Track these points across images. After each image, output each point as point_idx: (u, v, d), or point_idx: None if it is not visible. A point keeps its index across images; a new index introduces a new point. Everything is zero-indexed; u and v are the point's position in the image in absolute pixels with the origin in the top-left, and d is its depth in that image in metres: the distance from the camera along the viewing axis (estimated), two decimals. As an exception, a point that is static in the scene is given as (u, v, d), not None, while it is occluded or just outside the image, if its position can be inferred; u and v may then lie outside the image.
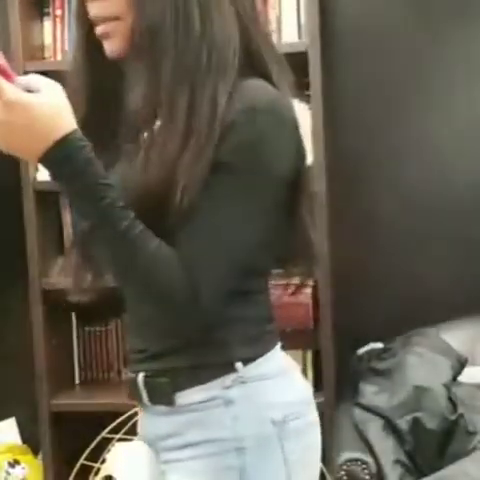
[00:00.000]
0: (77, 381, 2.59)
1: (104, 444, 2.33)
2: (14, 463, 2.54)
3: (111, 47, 1.09)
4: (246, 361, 1.12)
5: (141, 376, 1.15)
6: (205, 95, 1.02)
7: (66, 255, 1.22)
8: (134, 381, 1.16)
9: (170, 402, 1.13)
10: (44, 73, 2.28)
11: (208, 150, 1.00)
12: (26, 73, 2.25)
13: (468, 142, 2.55)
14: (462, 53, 2.54)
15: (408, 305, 2.52)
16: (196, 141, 1.00)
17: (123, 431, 2.29)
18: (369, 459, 2.08)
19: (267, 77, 1.08)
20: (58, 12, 2.42)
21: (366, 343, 2.36)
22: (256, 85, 1.05)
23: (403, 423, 2.14)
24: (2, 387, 2.65)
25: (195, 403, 1.12)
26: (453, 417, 2.14)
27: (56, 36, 2.43)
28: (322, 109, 2.28)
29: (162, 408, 1.14)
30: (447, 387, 2.19)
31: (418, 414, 2.14)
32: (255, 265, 1.11)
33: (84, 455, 2.31)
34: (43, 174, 2.38)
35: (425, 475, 2.09)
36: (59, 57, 2.43)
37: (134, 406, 2.26)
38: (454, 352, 2.29)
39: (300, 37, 2.33)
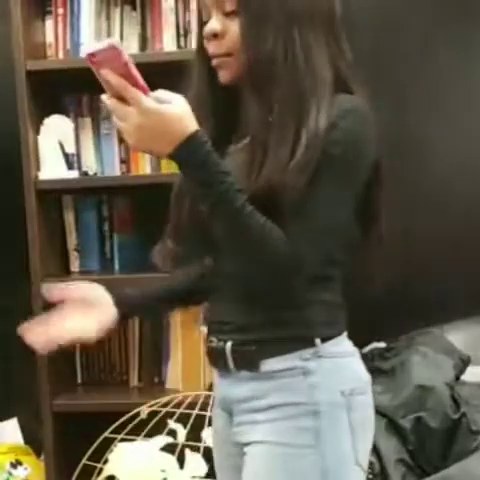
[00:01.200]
0: (79, 381, 2.58)
1: (107, 444, 2.33)
2: (16, 463, 2.53)
3: (224, 76, 1.31)
4: (324, 339, 1.29)
5: (229, 344, 1.32)
6: (310, 116, 1.21)
7: (167, 241, 1.41)
8: (220, 349, 1.33)
9: (255, 368, 1.30)
10: (46, 71, 2.32)
11: (314, 160, 1.20)
12: (28, 72, 2.30)
13: (475, 143, 2.56)
14: (466, 53, 2.55)
15: (411, 304, 2.52)
16: (303, 153, 1.19)
17: (126, 431, 2.29)
18: (372, 458, 2.08)
19: (351, 93, 1.30)
20: (60, 11, 2.41)
21: (369, 342, 2.36)
22: (346, 96, 1.27)
23: (406, 422, 2.14)
24: (4, 387, 2.64)
25: (277, 371, 1.29)
26: (456, 416, 2.15)
27: (58, 35, 2.42)
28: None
29: (246, 373, 1.31)
30: (450, 386, 2.19)
31: (421, 413, 2.15)
32: (335, 255, 1.30)
33: (87, 455, 2.31)
34: (45, 173, 2.38)
35: (428, 474, 2.09)
36: (61, 56, 2.42)
37: (136, 406, 2.27)
38: (457, 351, 2.30)
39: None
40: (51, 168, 2.39)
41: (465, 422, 2.16)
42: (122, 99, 1.16)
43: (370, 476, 2.08)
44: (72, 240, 2.52)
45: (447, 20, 2.57)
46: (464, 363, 2.29)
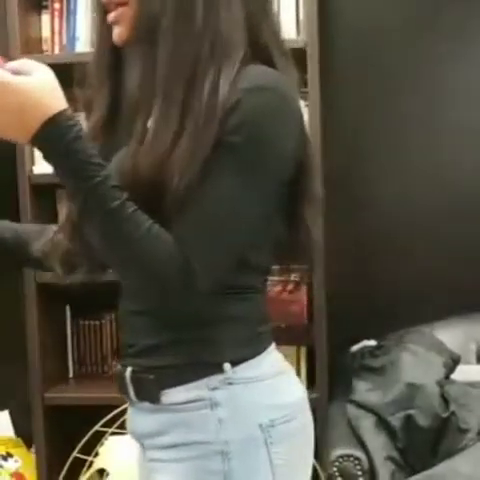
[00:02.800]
0: (71, 374, 2.58)
1: (97, 437, 2.33)
2: (7, 456, 2.53)
3: (118, 34, 1.09)
4: (235, 362, 1.09)
5: (129, 371, 1.13)
6: (205, 84, 1.01)
7: (54, 237, 1.19)
8: (122, 375, 1.15)
9: (155, 399, 1.10)
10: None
11: (207, 137, 0.99)
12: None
13: (468, 138, 2.55)
14: (462, 52, 2.54)
15: (402, 303, 2.52)
16: (193, 130, 0.99)
17: (116, 424, 2.29)
18: (361, 455, 2.08)
19: (272, 67, 1.08)
20: (56, 5, 2.42)
21: (360, 340, 2.36)
22: (260, 68, 1.05)
23: (395, 420, 2.14)
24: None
25: (180, 403, 1.09)
26: (445, 415, 2.15)
27: (54, 29, 2.43)
28: (320, 106, 2.28)
29: (148, 405, 1.12)
30: (440, 385, 2.20)
31: (410, 411, 2.15)
32: (251, 260, 1.08)
33: (77, 448, 2.31)
34: (39, 167, 2.38)
35: (417, 472, 2.09)
36: (57, 50, 2.43)
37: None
38: (447, 350, 2.30)
39: (298, 34, 2.33)
40: (45, 163, 2.38)
41: (454, 420, 2.16)
42: None
43: (359, 473, 2.08)
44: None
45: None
46: (454, 362, 2.29)
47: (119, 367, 1.16)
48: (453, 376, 2.28)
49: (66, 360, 2.58)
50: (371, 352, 2.31)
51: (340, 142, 2.54)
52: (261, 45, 1.07)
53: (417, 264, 2.56)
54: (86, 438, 2.32)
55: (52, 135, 0.97)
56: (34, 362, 2.40)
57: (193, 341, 1.08)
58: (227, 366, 1.08)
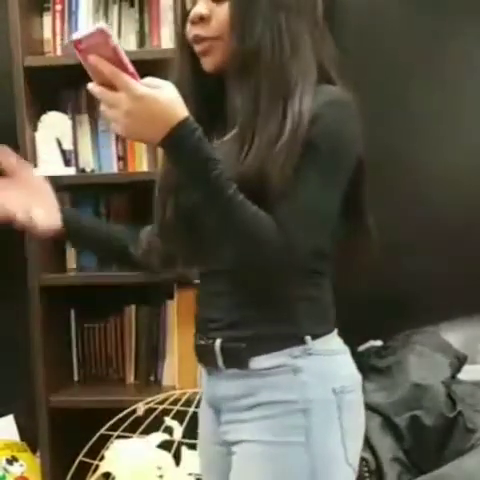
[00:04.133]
0: (76, 378, 2.57)
1: (103, 441, 2.33)
2: (12, 460, 2.53)
3: (209, 63, 1.29)
4: (314, 336, 1.28)
5: (218, 342, 1.30)
6: (295, 101, 1.22)
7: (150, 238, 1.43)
8: (209, 347, 1.31)
9: (245, 366, 1.28)
10: (43, 68, 2.31)
11: (298, 146, 1.19)
12: (26, 68, 2.29)
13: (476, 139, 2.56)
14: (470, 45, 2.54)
15: (408, 303, 2.52)
16: (288, 138, 1.20)
17: (122, 428, 2.29)
18: (368, 456, 2.08)
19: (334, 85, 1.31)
20: (58, 7, 2.41)
21: (365, 340, 2.36)
22: (329, 87, 1.28)
23: (402, 421, 2.14)
24: (0, 384, 2.64)
25: (266, 368, 1.27)
26: (452, 415, 2.15)
27: (56, 31, 2.42)
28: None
29: (235, 371, 1.30)
30: (446, 385, 2.19)
31: (417, 412, 2.15)
32: (325, 247, 1.28)
33: (83, 452, 2.31)
34: (42, 170, 2.38)
35: (424, 473, 2.09)
36: (59, 52, 2.42)
37: (133, 403, 2.27)
38: (453, 350, 2.30)
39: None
40: (48, 165, 2.39)
41: (461, 420, 2.16)
42: (110, 86, 1.13)
43: (366, 474, 2.08)
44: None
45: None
46: (460, 362, 2.29)
47: (206, 340, 1.32)
48: (460, 376, 2.27)
49: (71, 363, 2.57)
50: (377, 352, 2.31)
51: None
52: (324, 67, 1.29)
53: (425, 264, 2.55)
54: (91, 442, 2.31)
55: (181, 136, 1.16)
56: (38, 365, 2.38)
57: (280, 317, 1.27)
58: (308, 339, 1.28)
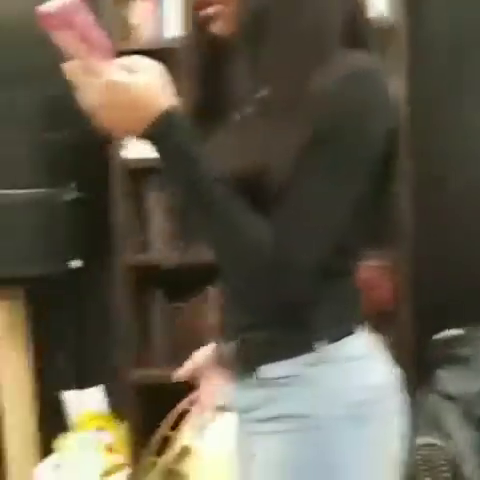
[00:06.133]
0: (159, 354, 2.64)
1: (184, 415, 2.39)
2: (100, 429, 2.64)
3: (219, 26, 1.13)
4: (330, 341, 1.13)
5: (230, 347, 1.20)
6: (304, 75, 1.03)
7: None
8: (224, 352, 1.22)
9: (255, 374, 1.17)
10: (135, 52, 2.36)
11: (303, 137, 1.02)
12: (120, 53, 2.35)
13: None
14: None
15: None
16: (298, 124, 1.02)
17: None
18: (446, 445, 2.06)
19: (365, 51, 1.10)
20: (147, -7, 2.47)
21: (446, 328, 2.32)
22: (359, 55, 1.07)
23: (480, 411, 2.11)
24: (91, 357, 2.76)
25: (277, 378, 1.14)
26: None
27: (146, 17, 2.47)
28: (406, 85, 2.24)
29: (247, 380, 1.18)
30: None
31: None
32: (345, 243, 1.11)
33: (164, 425, 2.37)
34: (129, 152, 2.44)
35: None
36: (149, 37, 2.47)
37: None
38: None
39: (386, 13, 2.29)
40: (138, 146, 2.43)
41: None
42: (85, 68, 1.00)
43: (442, 462, 2.06)
44: (155, 219, 2.57)
45: None
46: None
47: (221, 344, 1.24)
48: None
49: (155, 341, 2.64)
50: (456, 341, 2.27)
51: (429, 122, 2.47)
52: (356, 29, 1.10)
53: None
54: (175, 414, 2.38)
55: (161, 130, 1.03)
56: (125, 340, 2.48)
57: (287, 321, 1.12)
58: (323, 344, 1.13)
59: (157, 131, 1.03)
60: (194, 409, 1.47)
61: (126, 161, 2.45)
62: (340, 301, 1.15)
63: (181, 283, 2.58)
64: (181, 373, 1.43)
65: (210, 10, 1.12)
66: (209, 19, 1.13)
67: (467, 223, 2.47)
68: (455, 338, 2.28)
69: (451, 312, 2.36)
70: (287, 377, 1.14)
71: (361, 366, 1.15)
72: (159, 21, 2.46)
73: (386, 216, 1.18)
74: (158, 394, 2.51)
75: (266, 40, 1.05)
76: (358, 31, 1.11)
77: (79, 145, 2.56)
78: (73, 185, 2.57)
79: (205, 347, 1.44)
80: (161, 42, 2.42)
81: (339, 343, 1.14)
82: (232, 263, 1.08)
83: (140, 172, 2.52)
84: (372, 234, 1.19)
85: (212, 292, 2.56)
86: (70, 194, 2.56)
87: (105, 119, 1.03)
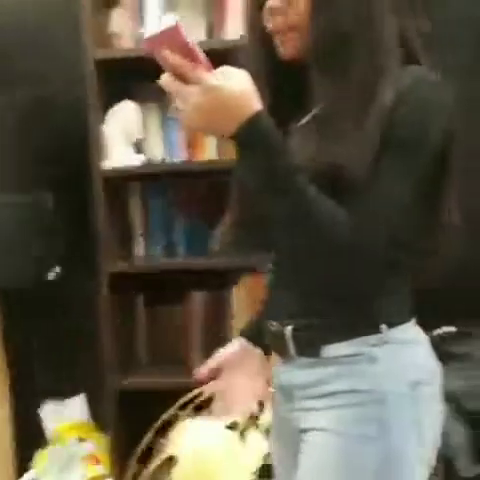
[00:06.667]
0: (143, 361, 2.64)
1: (171, 422, 2.38)
2: (81, 440, 2.59)
3: (288, 52, 1.27)
4: (390, 325, 1.23)
5: (289, 329, 1.27)
6: (377, 91, 1.16)
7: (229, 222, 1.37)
8: (280, 334, 1.28)
9: (317, 354, 1.25)
10: (113, 60, 2.37)
11: (379, 136, 1.14)
12: (97, 60, 2.35)
13: None
14: None
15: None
16: (370, 129, 1.14)
17: (189, 409, 2.33)
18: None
19: (419, 64, 1.25)
20: (128, 0, 2.47)
21: (438, 326, 2.32)
22: (414, 68, 1.21)
23: (473, 407, 2.11)
24: (72, 366, 2.72)
25: (341, 356, 1.23)
26: None
27: (125, 24, 2.47)
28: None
29: (307, 359, 1.26)
30: None
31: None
32: (407, 238, 1.21)
33: (150, 433, 2.36)
34: (111, 160, 2.43)
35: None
36: (128, 44, 2.48)
37: (199, 385, 2.32)
38: None
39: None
40: (118, 154, 2.44)
41: None
42: (182, 80, 1.12)
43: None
44: (138, 225, 2.58)
45: None
46: None
47: (277, 326, 1.29)
48: None
49: (138, 347, 2.64)
50: (452, 338, 2.28)
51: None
52: (411, 47, 1.24)
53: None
54: (159, 422, 2.37)
55: (253, 130, 1.13)
56: (108, 348, 2.45)
57: (355, 304, 1.22)
58: (384, 327, 1.23)
59: (249, 126, 1.12)
60: (216, 407, 1.49)
61: (107, 170, 2.43)
62: (400, 290, 1.27)
63: (164, 289, 2.58)
64: (203, 371, 1.45)
65: (282, 37, 1.25)
66: (280, 44, 1.27)
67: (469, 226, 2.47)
68: (450, 335, 2.30)
69: (443, 310, 2.38)
70: (352, 356, 1.23)
71: (417, 350, 1.27)
72: (140, 29, 2.47)
73: (439, 216, 1.28)
74: (142, 402, 2.50)
75: (339, 62, 1.19)
76: (412, 50, 1.24)
77: (57, 151, 2.55)
78: (50, 194, 2.55)
79: (229, 344, 1.47)
80: (141, 49, 2.43)
81: (399, 328, 1.25)
82: (311, 243, 1.16)
83: (121, 180, 2.52)
84: (428, 234, 1.29)
85: (196, 297, 2.57)
86: (49, 202, 2.53)
87: (199, 121, 1.13)
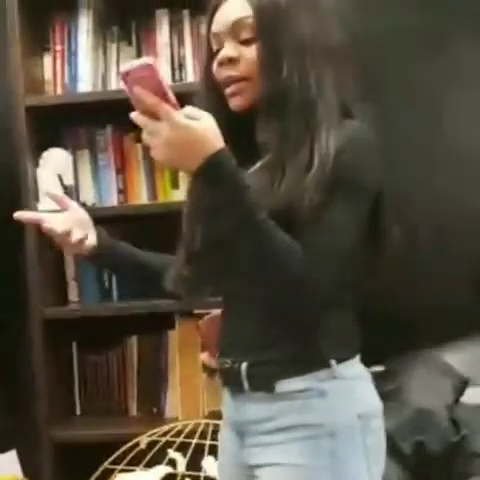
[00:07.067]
0: (78, 411, 2.57)
1: (106, 475, 2.31)
2: (15, 496, 2.50)
3: (237, 103, 1.34)
4: (339, 360, 1.30)
5: (244, 365, 1.31)
6: (322, 139, 1.26)
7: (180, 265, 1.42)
8: (235, 370, 1.33)
9: (270, 390, 1.29)
10: (44, 107, 2.37)
11: (326, 178, 1.23)
12: (27, 107, 2.35)
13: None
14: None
15: (407, 325, 2.50)
16: (317, 172, 1.24)
17: (125, 461, 2.27)
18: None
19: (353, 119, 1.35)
20: (58, 47, 2.48)
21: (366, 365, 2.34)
22: (352, 123, 1.32)
23: (407, 446, 2.12)
24: (3, 419, 2.63)
25: (293, 391, 1.29)
26: (456, 439, 2.13)
27: (56, 71, 2.48)
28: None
29: (261, 395, 1.31)
30: (449, 408, 2.18)
31: (421, 437, 2.12)
32: (350, 275, 1.29)
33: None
34: (44, 205, 2.41)
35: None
36: (59, 91, 2.48)
37: (136, 436, 2.26)
38: (455, 373, 2.29)
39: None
40: (50, 200, 2.41)
41: (466, 444, 2.14)
42: (152, 116, 1.19)
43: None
44: (71, 270, 2.55)
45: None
46: (463, 385, 2.28)
47: (231, 363, 1.34)
48: (462, 399, 2.26)
49: (73, 397, 2.56)
50: (379, 377, 2.29)
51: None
52: (346, 104, 1.33)
53: (426, 285, 2.54)
54: (95, 476, 2.30)
55: (218, 165, 1.20)
56: (40, 399, 2.38)
57: (306, 340, 1.29)
58: (333, 362, 1.29)
59: (213, 163, 1.19)
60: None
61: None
62: (346, 327, 1.34)
63: (97, 335, 2.53)
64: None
65: (234, 88, 1.33)
66: (231, 96, 1.34)
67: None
68: (377, 374, 2.31)
69: (370, 347, 2.38)
70: (304, 391, 1.28)
71: (363, 385, 1.35)
72: (71, 75, 2.47)
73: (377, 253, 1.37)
74: (79, 455, 2.42)
75: (287, 111, 1.28)
76: (349, 107, 1.34)
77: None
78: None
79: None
80: (75, 96, 2.44)
81: (346, 363, 1.31)
82: (268, 275, 1.22)
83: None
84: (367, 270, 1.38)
85: (130, 343, 2.52)
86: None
87: (167, 155, 1.19)
